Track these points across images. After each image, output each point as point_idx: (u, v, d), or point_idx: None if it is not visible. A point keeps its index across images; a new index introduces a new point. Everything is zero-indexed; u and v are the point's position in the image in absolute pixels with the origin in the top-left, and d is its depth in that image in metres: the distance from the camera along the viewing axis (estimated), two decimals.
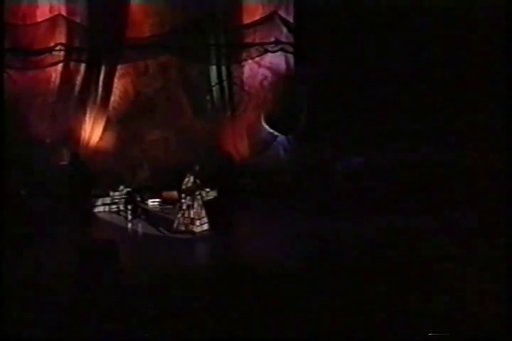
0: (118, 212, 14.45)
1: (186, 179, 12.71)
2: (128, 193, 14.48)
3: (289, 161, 15.91)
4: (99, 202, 14.57)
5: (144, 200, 14.66)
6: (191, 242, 12.35)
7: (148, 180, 15.40)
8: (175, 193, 14.79)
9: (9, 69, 14.15)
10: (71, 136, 14.89)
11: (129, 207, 14.06)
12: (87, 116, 14.95)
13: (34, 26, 14.55)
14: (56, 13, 14.63)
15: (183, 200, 12.76)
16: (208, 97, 15.91)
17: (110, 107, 15.26)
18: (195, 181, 12.66)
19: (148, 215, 14.00)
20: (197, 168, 12.82)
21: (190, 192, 12.67)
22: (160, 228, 13.01)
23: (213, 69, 15.73)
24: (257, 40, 15.62)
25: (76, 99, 14.93)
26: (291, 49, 15.84)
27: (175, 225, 12.74)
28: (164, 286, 9.15)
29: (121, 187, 14.75)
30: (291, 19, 15.84)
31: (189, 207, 12.66)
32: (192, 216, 12.64)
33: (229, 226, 12.87)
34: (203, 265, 11.06)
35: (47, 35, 14.63)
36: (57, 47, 14.62)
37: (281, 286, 9.15)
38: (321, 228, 12.31)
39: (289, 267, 10.08)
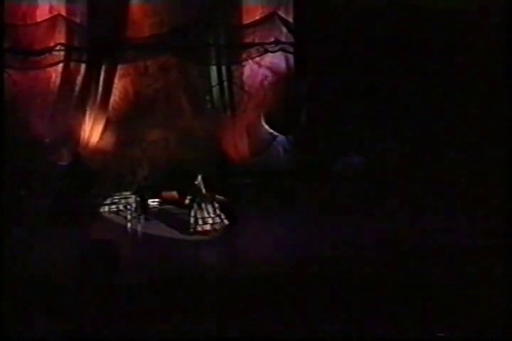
0: (117, 212, 14.47)
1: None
2: (134, 193, 14.48)
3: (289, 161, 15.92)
4: (100, 202, 14.60)
5: (144, 200, 14.65)
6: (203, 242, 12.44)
7: (148, 179, 15.39)
8: (175, 193, 14.82)
9: (9, 69, 14.15)
10: (71, 136, 14.90)
11: (130, 206, 14.09)
12: (87, 116, 14.96)
13: (34, 26, 14.55)
14: (56, 13, 14.64)
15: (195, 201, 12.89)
16: (208, 97, 15.92)
17: (110, 107, 15.28)
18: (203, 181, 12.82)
19: (151, 215, 14.04)
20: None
21: (199, 192, 12.81)
22: (171, 228, 13.08)
23: (213, 69, 15.72)
24: (257, 40, 15.59)
25: (76, 99, 14.94)
26: (291, 49, 15.82)
27: (190, 226, 12.81)
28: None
29: (122, 188, 14.78)
30: (291, 19, 15.82)
31: (201, 207, 12.77)
32: (205, 215, 12.75)
33: (232, 225, 12.93)
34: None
35: (47, 35, 14.62)
36: (57, 47, 14.61)
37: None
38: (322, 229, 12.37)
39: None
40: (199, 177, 12.90)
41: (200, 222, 12.70)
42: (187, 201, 12.91)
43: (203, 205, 12.73)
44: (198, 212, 12.71)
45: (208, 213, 12.75)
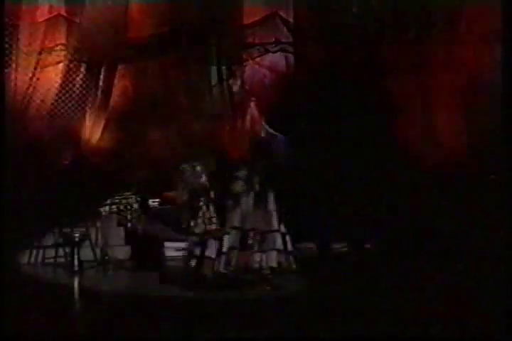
0: (118, 213, 14.47)
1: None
2: (135, 193, 14.50)
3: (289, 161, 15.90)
4: (100, 202, 14.61)
5: (144, 200, 14.68)
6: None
7: (148, 180, 15.41)
8: (175, 193, 14.82)
9: (9, 70, 14.15)
10: (71, 137, 14.91)
11: (131, 206, 14.11)
12: (87, 116, 14.97)
13: (34, 26, 14.55)
14: (56, 13, 14.65)
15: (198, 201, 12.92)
16: (208, 97, 15.92)
17: (110, 107, 15.28)
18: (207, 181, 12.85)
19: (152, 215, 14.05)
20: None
21: (204, 191, 12.84)
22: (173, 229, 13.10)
23: (213, 69, 15.74)
24: (258, 40, 15.61)
25: (76, 100, 14.95)
26: (291, 49, 15.82)
27: (192, 226, 12.82)
28: None
29: (122, 188, 14.80)
30: (291, 19, 15.81)
31: (208, 208, 12.81)
32: (212, 215, 12.79)
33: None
34: None
35: (47, 35, 14.62)
36: (58, 48, 14.62)
37: None
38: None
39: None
40: (203, 177, 12.92)
41: (206, 222, 12.73)
42: (201, 203, 12.94)
43: (209, 205, 12.77)
44: (206, 213, 12.76)
45: (213, 213, 12.80)
